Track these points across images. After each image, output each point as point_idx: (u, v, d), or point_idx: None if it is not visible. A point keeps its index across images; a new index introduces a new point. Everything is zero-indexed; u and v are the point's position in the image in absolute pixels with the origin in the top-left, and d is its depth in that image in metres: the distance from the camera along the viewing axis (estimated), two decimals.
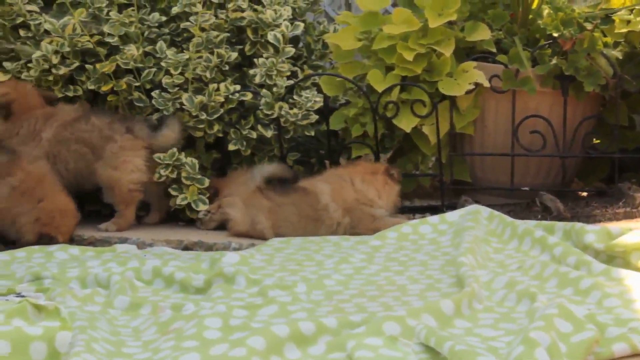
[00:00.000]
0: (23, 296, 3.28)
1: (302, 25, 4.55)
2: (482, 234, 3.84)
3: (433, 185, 4.73)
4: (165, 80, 4.32)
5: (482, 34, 4.48)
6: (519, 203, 4.53)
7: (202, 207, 4.26)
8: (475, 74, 4.41)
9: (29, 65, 4.34)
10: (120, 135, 4.24)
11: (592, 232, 3.64)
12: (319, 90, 4.51)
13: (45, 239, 4.02)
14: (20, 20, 4.43)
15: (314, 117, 4.42)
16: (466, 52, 4.58)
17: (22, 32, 4.42)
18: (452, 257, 3.66)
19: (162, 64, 4.33)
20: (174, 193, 4.26)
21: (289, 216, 4.14)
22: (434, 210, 4.43)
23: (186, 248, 4.09)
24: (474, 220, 3.92)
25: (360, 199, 4.17)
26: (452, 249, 3.77)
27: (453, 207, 4.36)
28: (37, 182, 4.07)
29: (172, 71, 4.31)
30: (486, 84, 4.43)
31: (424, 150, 4.54)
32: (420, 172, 4.65)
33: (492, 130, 4.57)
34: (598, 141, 4.77)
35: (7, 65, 4.38)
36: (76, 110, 4.34)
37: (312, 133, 4.49)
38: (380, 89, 4.38)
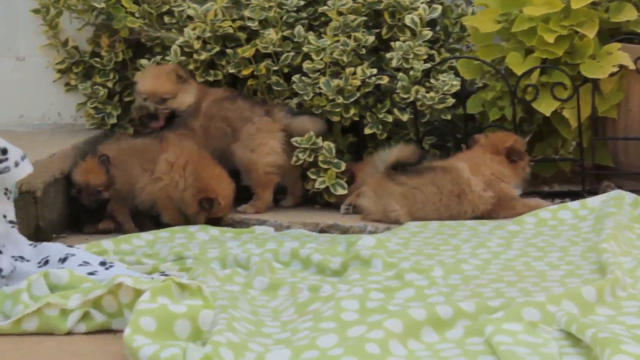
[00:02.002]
0: (167, 275, 3.37)
1: (439, 8, 4.51)
2: (626, 220, 3.74)
3: (573, 170, 4.63)
4: (306, 65, 4.35)
5: (628, 15, 4.35)
6: None
7: (341, 191, 4.28)
8: (619, 55, 4.29)
9: (166, 58, 4.45)
10: (259, 117, 4.31)
11: None
12: (456, 74, 4.47)
13: (205, 204, 4.10)
14: (165, 7, 4.54)
15: (451, 101, 4.38)
16: (610, 33, 4.45)
17: (166, 19, 4.53)
18: (593, 243, 3.59)
19: (304, 48, 4.37)
20: (312, 177, 4.30)
21: (429, 196, 4.13)
22: (574, 196, 4.34)
23: (322, 231, 4.12)
24: (617, 205, 3.83)
25: (495, 172, 4.15)
26: (594, 235, 3.69)
27: (594, 193, 4.27)
28: (191, 155, 4.18)
29: (314, 56, 4.34)
30: (631, 66, 4.30)
31: (564, 135, 4.45)
32: (560, 156, 4.56)
33: (637, 113, 4.43)
34: None
35: (144, 62, 4.50)
36: (225, 91, 4.44)
37: (449, 117, 4.46)
38: (519, 71, 4.31)
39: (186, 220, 4.18)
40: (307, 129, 4.29)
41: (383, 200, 4.15)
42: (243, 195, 4.38)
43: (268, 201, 4.34)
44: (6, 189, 3.49)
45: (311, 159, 4.29)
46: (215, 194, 4.12)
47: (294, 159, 4.30)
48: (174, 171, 4.15)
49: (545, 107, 4.33)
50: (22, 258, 3.48)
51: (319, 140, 4.29)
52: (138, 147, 4.24)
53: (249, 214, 4.28)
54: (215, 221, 4.15)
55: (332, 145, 4.31)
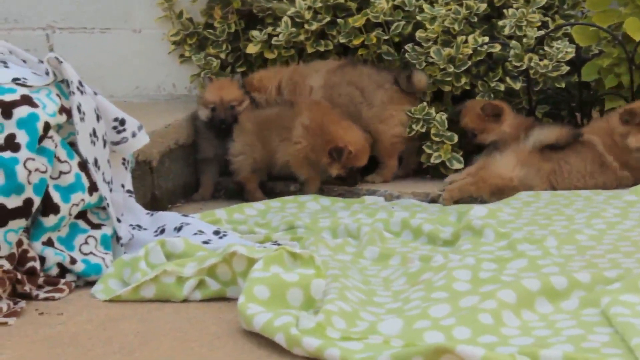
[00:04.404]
0: (279, 244, 3.40)
1: None
2: None
3: None
4: (419, 34, 4.32)
5: None
6: None
7: (457, 165, 4.24)
8: None
9: (278, 30, 4.46)
10: (390, 84, 4.31)
11: None
12: (571, 41, 4.37)
13: (334, 153, 4.10)
14: None
15: (565, 69, 4.30)
16: None
17: None
18: None
19: (418, 17, 4.34)
20: (428, 151, 4.28)
21: (574, 165, 4.06)
22: None
23: (432, 201, 4.11)
24: None
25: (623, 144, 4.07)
26: None
27: None
28: (323, 115, 4.20)
29: (428, 25, 4.31)
30: None
31: None
32: None
33: None
34: None
35: (255, 33, 4.52)
36: (335, 59, 4.44)
37: (563, 85, 4.37)
38: (638, 37, 4.19)
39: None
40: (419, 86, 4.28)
41: (529, 171, 4.07)
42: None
43: (394, 169, 4.35)
44: (124, 159, 3.58)
45: (424, 130, 4.27)
46: (343, 142, 4.13)
47: (408, 129, 4.29)
48: (309, 134, 4.18)
49: None
50: (139, 227, 3.57)
51: (432, 111, 4.27)
52: (274, 116, 4.28)
53: (377, 183, 4.29)
54: (352, 175, 4.17)
55: (444, 117, 4.27)
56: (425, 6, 4.32)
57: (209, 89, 4.35)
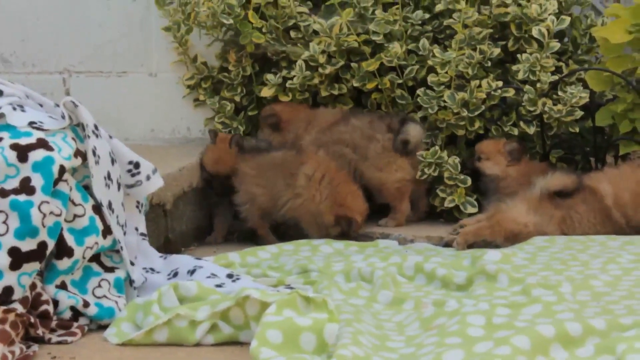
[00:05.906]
0: (292, 288, 3.40)
1: (568, 19, 4.42)
2: None
3: None
4: (431, 78, 4.34)
5: None
6: None
7: (471, 210, 4.24)
8: None
9: (292, 73, 4.49)
10: (382, 134, 4.32)
11: None
12: (585, 86, 4.38)
13: (343, 223, 4.12)
14: (291, 22, 4.60)
15: (579, 114, 4.30)
16: None
17: (292, 34, 4.59)
18: None
19: (429, 62, 4.36)
20: (441, 195, 4.28)
21: (583, 214, 4.03)
22: None
23: (447, 245, 4.09)
24: None
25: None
26: None
27: None
28: (327, 168, 4.20)
29: (439, 70, 4.33)
30: None
31: None
32: None
33: None
34: None
35: (270, 77, 4.55)
36: (335, 115, 4.46)
37: (577, 129, 4.37)
38: None
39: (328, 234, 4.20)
40: (410, 133, 4.28)
41: (542, 219, 4.03)
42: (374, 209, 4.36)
43: (406, 212, 4.34)
44: (138, 202, 3.59)
45: (436, 174, 4.28)
46: (352, 212, 4.13)
47: (419, 173, 4.29)
48: (311, 185, 4.18)
49: None
50: (152, 270, 3.57)
51: (444, 155, 4.27)
52: (278, 160, 4.28)
53: (390, 227, 4.28)
54: (345, 235, 4.17)
55: (456, 160, 4.27)
56: (436, 51, 4.34)
57: (207, 156, 4.32)
